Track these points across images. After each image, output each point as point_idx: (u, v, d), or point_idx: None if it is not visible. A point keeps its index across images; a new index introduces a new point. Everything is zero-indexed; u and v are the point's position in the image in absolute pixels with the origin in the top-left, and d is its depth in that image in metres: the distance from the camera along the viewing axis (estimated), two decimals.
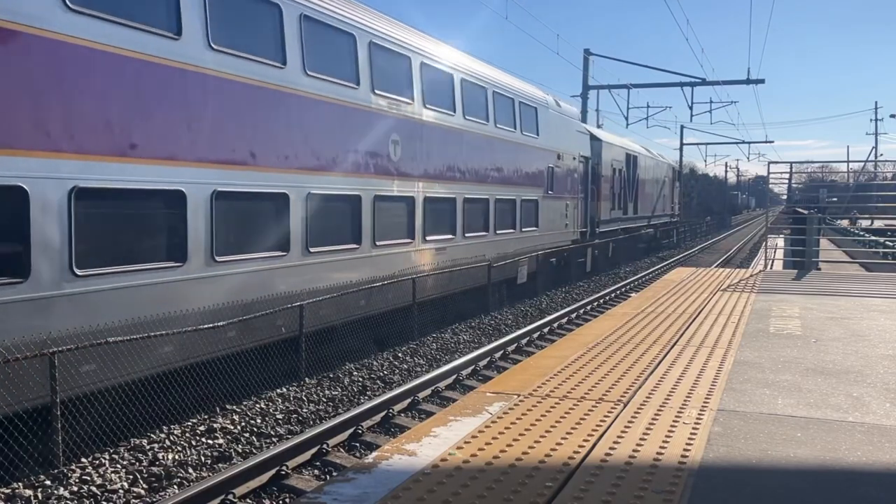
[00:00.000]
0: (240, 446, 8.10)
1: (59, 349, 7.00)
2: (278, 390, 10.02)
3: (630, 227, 32.24)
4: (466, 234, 15.92)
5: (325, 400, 9.88)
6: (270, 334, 10.08)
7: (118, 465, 7.33)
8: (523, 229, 19.21)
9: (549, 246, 21.21)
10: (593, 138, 26.37)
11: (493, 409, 5.01)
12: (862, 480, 3.82)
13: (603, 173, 26.91)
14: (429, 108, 14.22)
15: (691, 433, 4.50)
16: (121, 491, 6.81)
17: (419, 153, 13.94)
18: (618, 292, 21.18)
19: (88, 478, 6.97)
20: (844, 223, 34.45)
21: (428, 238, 14.32)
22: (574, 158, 23.32)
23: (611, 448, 4.23)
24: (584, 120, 38.66)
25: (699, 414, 4.90)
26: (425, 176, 14.18)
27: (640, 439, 4.38)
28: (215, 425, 8.55)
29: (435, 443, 4.32)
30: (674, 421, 4.73)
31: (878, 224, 31.46)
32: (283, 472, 7.17)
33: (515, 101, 18.71)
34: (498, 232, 17.64)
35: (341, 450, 8.09)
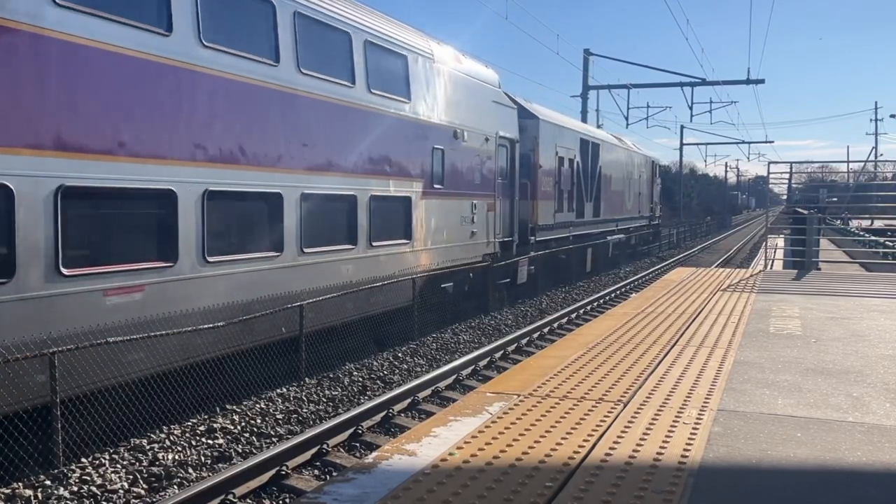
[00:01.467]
0: (240, 446, 8.10)
1: (59, 349, 7.00)
2: (278, 390, 10.02)
3: (589, 234, 25.45)
4: (210, 259, 8.94)
5: (325, 400, 9.88)
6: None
7: (118, 465, 7.33)
8: (376, 243, 12.27)
9: (433, 267, 14.24)
10: (525, 114, 19.64)
11: (493, 409, 5.01)
12: (862, 480, 3.82)
13: (542, 163, 20.32)
14: (93, 15, 7.56)
15: (691, 433, 4.50)
16: (121, 491, 6.81)
17: (79, 106, 7.48)
18: (618, 292, 21.19)
19: (88, 478, 6.97)
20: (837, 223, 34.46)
21: (78, 270, 7.40)
22: (488, 140, 16.49)
23: (611, 448, 4.22)
24: (584, 120, 37.51)
25: (699, 414, 4.90)
26: (78, 147, 7.43)
27: (640, 439, 4.38)
28: (215, 425, 8.56)
29: (435, 443, 4.32)
30: (674, 421, 4.73)
31: (877, 224, 31.49)
32: (283, 472, 7.17)
33: (353, 38, 11.67)
34: (308, 250, 10.61)
35: (341, 450, 8.09)
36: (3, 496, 6.48)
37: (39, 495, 6.59)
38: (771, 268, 16.56)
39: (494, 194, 17.08)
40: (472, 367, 11.70)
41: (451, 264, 15.03)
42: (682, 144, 66.62)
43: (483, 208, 16.49)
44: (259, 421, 8.86)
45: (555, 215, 21.74)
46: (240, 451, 7.97)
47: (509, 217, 18.19)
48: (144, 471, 7.25)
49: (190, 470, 7.39)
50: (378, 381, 10.97)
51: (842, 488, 3.71)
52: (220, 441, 8.16)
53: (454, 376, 11.04)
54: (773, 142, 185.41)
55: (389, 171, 12.82)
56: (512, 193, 18.28)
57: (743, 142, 72.04)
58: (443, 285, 14.54)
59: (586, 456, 4.11)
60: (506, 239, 17.98)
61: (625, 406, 5.07)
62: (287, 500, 6.85)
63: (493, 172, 16.96)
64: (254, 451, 7.96)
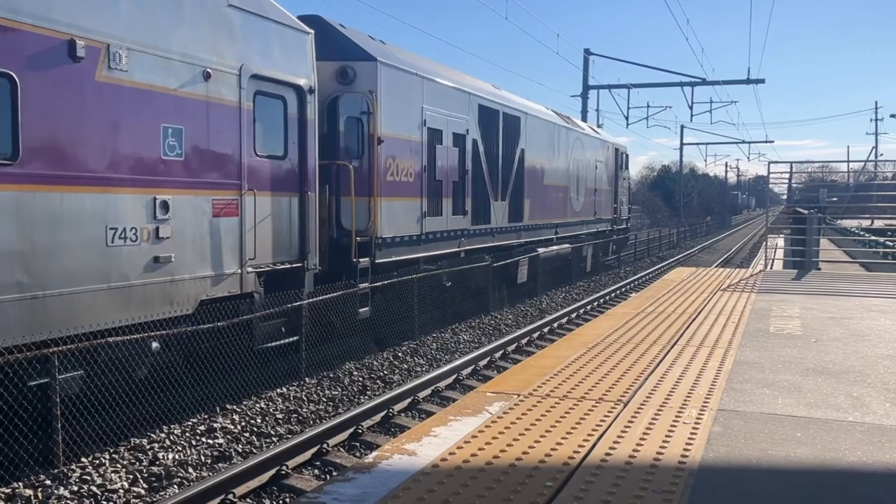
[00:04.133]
0: (240, 446, 8.10)
1: (59, 349, 7.00)
2: (278, 390, 10.02)
3: (504, 247, 17.79)
4: None
5: (325, 400, 9.88)
6: None
7: (118, 465, 7.33)
8: None
9: None
10: (350, 52, 12.36)
11: (493, 408, 5.01)
12: (862, 480, 3.82)
13: (385, 133, 12.51)
14: None
15: (691, 433, 4.50)
16: (121, 491, 6.81)
17: None
18: (618, 292, 21.20)
19: (88, 478, 6.97)
20: (845, 223, 34.45)
21: None
22: (210, 78, 8.64)
23: (611, 448, 4.23)
24: (584, 119, 37.07)
25: (699, 414, 4.90)
26: None
27: (640, 439, 4.38)
28: (215, 425, 8.55)
29: (435, 443, 4.33)
30: (674, 421, 4.74)
31: (878, 224, 31.49)
32: (283, 472, 7.17)
33: None
34: None
35: (341, 450, 8.10)
36: (3, 496, 6.48)
37: (39, 495, 6.59)
38: (771, 268, 16.57)
39: (240, 184, 9.39)
40: (472, 366, 11.70)
41: (58, 334, 7.05)
42: (682, 144, 66.72)
43: (200, 211, 8.78)
44: (259, 421, 8.86)
45: (422, 221, 13.84)
46: (240, 450, 7.97)
47: (298, 225, 10.53)
48: (144, 470, 7.25)
49: (190, 470, 7.39)
50: (378, 381, 10.96)
51: (842, 488, 3.72)
52: (220, 441, 8.15)
53: (454, 376, 11.04)
54: (772, 142, 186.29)
55: None
56: (301, 184, 10.54)
57: (743, 141, 72.15)
58: (33, 384, 6.96)
59: (586, 456, 4.11)
60: (281, 265, 10.16)
61: (625, 406, 5.07)
62: (287, 500, 6.85)
63: (235, 144, 9.32)
64: (254, 450, 7.96)
